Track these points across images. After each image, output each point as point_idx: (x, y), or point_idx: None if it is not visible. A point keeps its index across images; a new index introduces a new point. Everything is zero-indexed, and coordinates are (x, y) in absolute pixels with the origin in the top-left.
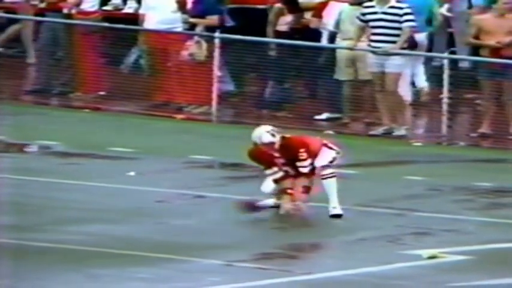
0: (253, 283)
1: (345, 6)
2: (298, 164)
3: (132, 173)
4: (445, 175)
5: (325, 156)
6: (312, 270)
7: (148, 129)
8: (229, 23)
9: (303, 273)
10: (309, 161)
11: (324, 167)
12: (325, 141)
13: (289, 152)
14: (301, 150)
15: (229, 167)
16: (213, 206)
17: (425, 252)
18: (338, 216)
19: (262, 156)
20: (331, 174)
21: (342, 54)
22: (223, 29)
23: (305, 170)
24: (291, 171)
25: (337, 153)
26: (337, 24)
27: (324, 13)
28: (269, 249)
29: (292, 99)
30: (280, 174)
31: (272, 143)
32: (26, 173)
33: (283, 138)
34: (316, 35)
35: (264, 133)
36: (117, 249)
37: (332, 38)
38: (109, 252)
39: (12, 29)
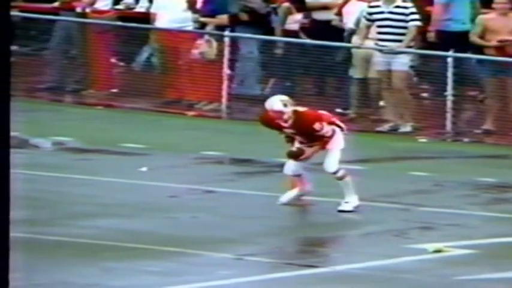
0: (262, 277)
1: (365, 5)
2: (318, 134)
3: (144, 169)
4: (449, 171)
5: (334, 152)
6: (319, 264)
7: (160, 125)
8: (276, 22)
9: (311, 266)
10: (326, 128)
11: (335, 172)
12: (333, 118)
13: (302, 127)
14: (315, 125)
15: (239, 163)
16: (223, 201)
17: (431, 246)
18: (346, 211)
19: (272, 122)
20: (344, 175)
21: (358, 52)
22: (267, 28)
23: (329, 134)
24: (302, 140)
25: (343, 132)
26: (357, 22)
27: (344, 11)
28: (278, 243)
29: (301, 97)
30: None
31: (281, 112)
32: (40, 168)
33: (295, 112)
34: (325, 33)
35: (277, 101)
36: (129, 243)
37: (351, 35)
38: (122, 246)
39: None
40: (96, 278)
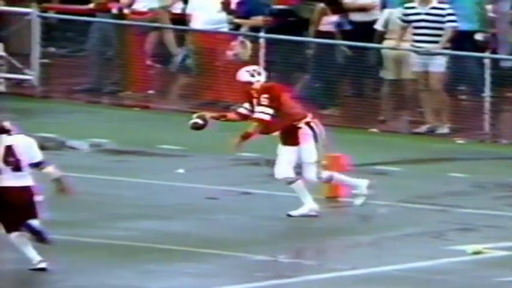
0: (298, 279)
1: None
2: (257, 108)
3: (181, 170)
4: (487, 172)
5: (311, 165)
6: (357, 265)
7: None
8: (347, 26)
9: (349, 268)
10: (268, 110)
11: (318, 179)
12: (309, 119)
13: (259, 95)
14: (265, 95)
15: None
16: (259, 203)
17: (470, 248)
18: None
19: (247, 94)
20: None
21: (388, 54)
22: (343, 33)
23: (257, 115)
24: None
25: (317, 138)
26: (386, 24)
27: None
28: (315, 245)
29: (337, 98)
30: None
31: (249, 83)
32: (77, 170)
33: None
34: (362, 34)
35: (244, 71)
36: (167, 244)
37: (380, 37)
38: (159, 247)
39: (149, 41)
40: (134, 280)
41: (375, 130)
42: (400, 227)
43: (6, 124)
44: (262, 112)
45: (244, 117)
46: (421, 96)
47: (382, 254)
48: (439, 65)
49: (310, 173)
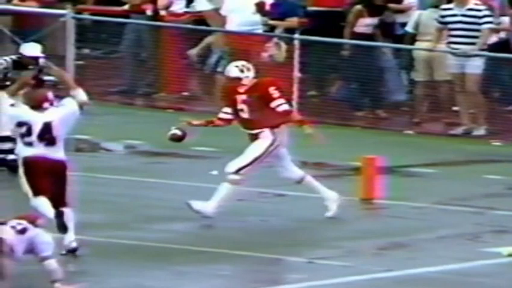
0: (334, 280)
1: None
2: (273, 104)
3: (214, 172)
4: None
5: (246, 156)
6: (393, 267)
7: (231, 128)
8: (399, 31)
9: (384, 270)
10: (284, 101)
11: (231, 173)
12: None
13: (259, 90)
14: (273, 88)
15: (309, 166)
16: (294, 204)
17: (505, 250)
18: (192, 208)
19: (229, 91)
20: (237, 182)
21: (419, 56)
22: (394, 37)
23: (282, 108)
24: (245, 114)
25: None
26: (416, 26)
27: None
28: (350, 247)
29: (375, 100)
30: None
31: (238, 79)
32: (112, 172)
33: (256, 78)
34: (399, 35)
35: (233, 67)
36: (200, 246)
37: (411, 39)
38: (193, 249)
39: (207, 40)
40: (168, 282)
41: (410, 132)
42: (435, 229)
43: (50, 95)
44: (281, 104)
45: (229, 122)
46: (457, 98)
47: (417, 255)
48: (475, 66)
49: (236, 164)
